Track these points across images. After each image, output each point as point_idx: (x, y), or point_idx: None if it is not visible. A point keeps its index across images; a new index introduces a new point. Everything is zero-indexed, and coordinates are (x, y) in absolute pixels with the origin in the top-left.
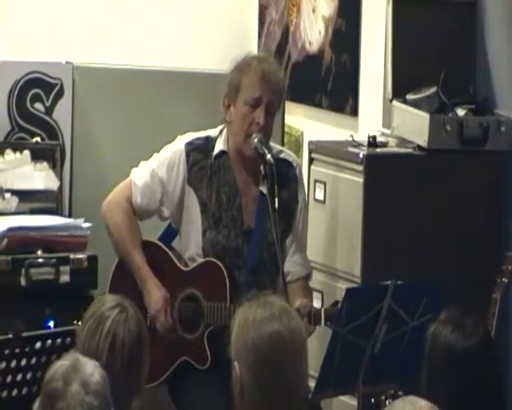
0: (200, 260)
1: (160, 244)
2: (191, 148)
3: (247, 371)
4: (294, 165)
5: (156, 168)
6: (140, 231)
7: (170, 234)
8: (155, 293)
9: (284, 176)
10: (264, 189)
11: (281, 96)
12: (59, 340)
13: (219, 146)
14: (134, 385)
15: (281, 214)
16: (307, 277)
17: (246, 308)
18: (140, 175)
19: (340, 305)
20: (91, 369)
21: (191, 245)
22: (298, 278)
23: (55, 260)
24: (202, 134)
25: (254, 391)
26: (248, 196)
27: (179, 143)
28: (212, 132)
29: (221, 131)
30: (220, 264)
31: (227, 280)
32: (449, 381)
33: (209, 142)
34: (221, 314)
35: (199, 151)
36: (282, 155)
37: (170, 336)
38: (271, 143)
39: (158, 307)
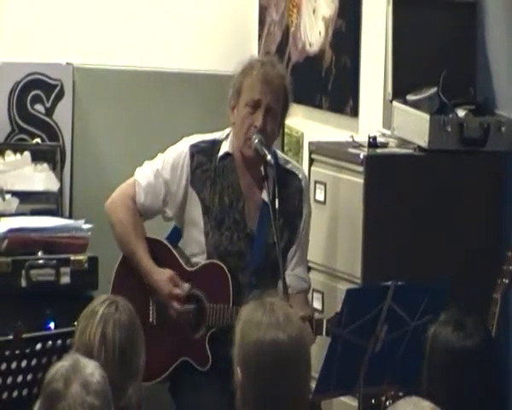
0: (204, 262)
1: (165, 242)
2: (196, 150)
3: (247, 377)
4: (300, 177)
5: (160, 169)
6: (144, 228)
7: (176, 234)
8: (161, 275)
9: (287, 186)
10: (265, 193)
11: (284, 100)
12: (59, 341)
13: (225, 148)
14: (128, 372)
15: (283, 221)
16: (307, 290)
17: (251, 311)
18: (144, 175)
19: (340, 306)
20: (91, 369)
21: (194, 247)
22: (298, 291)
23: (55, 261)
24: (209, 137)
25: (254, 397)
26: (251, 201)
27: (184, 145)
28: (219, 135)
29: (228, 135)
30: (223, 266)
31: (230, 282)
32: (449, 381)
33: (215, 145)
34: (224, 316)
35: (203, 154)
36: (288, 166)
37: (186, 309)
38: (279, 153)
39: (168, 284)
